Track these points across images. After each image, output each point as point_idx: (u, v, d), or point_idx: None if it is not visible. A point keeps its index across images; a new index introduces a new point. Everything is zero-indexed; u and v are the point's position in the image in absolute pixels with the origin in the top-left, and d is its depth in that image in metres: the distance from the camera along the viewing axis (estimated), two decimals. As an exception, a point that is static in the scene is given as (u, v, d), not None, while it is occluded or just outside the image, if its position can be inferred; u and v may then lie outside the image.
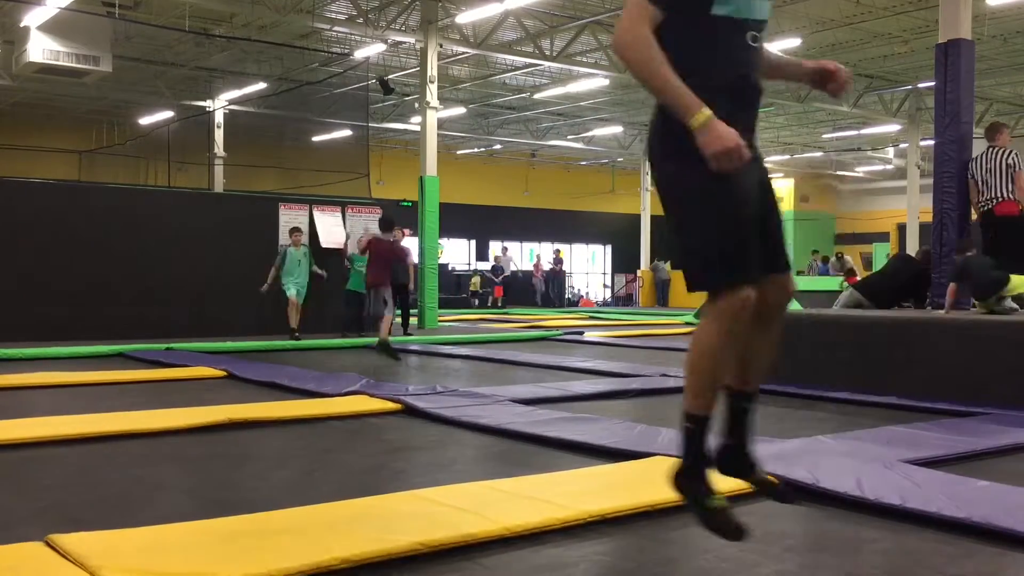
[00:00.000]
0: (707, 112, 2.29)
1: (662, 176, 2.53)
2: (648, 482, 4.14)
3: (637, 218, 30.40)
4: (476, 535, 3.21)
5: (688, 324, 17.08)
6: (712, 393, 2.58)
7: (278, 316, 13.01)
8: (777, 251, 2.61)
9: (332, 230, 14.65)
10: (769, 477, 2.88)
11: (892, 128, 24.63)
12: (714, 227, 2.43)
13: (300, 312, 12.95)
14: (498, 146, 30.34)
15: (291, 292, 12.90)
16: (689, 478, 2.61)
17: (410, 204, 18.26)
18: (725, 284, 2.42)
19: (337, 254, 14.38)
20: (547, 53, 18.54)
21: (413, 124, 23.79)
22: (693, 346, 2.56)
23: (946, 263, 8.59)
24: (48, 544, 3.04)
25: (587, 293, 33.65)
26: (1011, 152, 8.47)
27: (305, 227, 14.18)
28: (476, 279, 28.54)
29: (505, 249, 30.95)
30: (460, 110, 24.24)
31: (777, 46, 16.78)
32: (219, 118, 23.41)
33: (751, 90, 2.54)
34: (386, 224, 10.59)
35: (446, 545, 3.12)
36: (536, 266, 29.61)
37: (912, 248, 19.84)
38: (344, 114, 22.52)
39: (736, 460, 2.74)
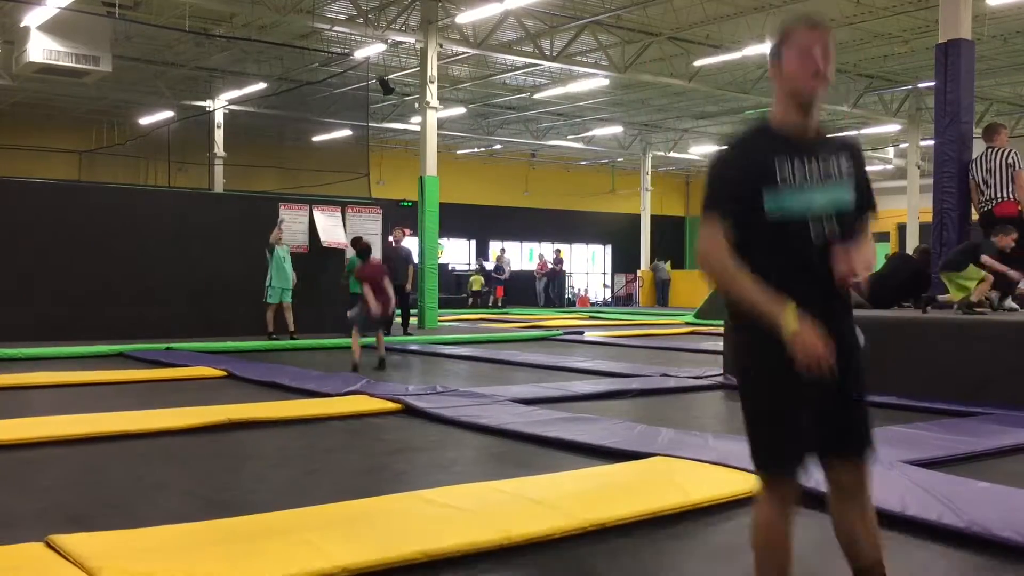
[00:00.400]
0: (794, 318, 2.29)
1: (732, 351, 2.52)
2: (648, 483, 4.15)
3: (637, 218, 30.38)
4: (478, 544, 3.17)
5: (688, 324, 17.08)
6: None
7: (278, 316, 13.03)
8: (844, 434, 2.51)
9: (332, 230, 14.65)
10: None
11: (892, 128, 24.61)
12: (760, 419, 2.45)
13: (292, 311, 12.98)
14: (498, 146, 30.32)
15: (274, 300, 12.92)
16: None
17: (410, 204, 18.25)
18: (764, 473, 2.45)
19: (337, 254, 14.39)
20: (547, 53, 18.53)
21: (413, 124, 23.78)
22: (751, 532, 2.54)
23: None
24: (48, 544, 3.04)
25: (584, 292, 33.58)
26: (1010, 151, 8.45)
27: (305, 227, 14.22)
28: (475, 278, 28.36)
29: (503, 250, 30.86)
30: (460, 110, 24.23)
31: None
32: (219, 118, 23.40)
33: (819, 283, 2.46)
34: (364, 251, 10.02)
35: (447, 554, 3.08)
36: (541, 265, 29.48)
37: (912, 248, 19.81)
38: (344, 114, 22.50)
39: None
